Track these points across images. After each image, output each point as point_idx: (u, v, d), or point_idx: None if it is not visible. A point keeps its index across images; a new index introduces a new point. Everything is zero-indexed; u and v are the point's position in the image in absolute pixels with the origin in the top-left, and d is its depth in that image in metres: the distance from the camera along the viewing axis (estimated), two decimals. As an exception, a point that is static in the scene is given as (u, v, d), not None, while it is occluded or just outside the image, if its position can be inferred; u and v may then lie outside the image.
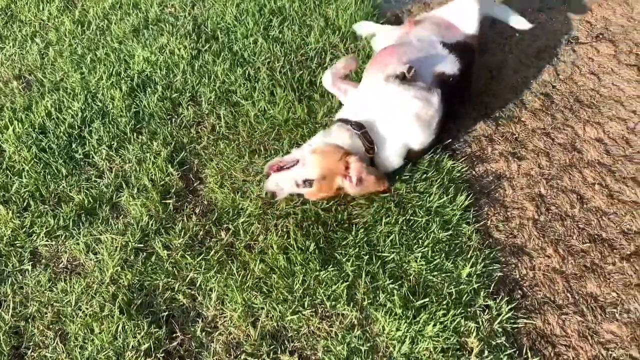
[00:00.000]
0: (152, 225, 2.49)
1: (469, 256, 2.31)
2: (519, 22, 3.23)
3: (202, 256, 2.36)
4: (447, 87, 2.57)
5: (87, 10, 3.82)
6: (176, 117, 3.00)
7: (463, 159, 2.73)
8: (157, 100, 3.05)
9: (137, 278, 2.31)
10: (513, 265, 2.33)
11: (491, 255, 2.34)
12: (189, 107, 3.02)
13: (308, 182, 2.33)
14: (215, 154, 2.80)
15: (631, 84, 3.07)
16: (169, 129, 2.92)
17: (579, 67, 3.23)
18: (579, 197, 2.56)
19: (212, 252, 2.37)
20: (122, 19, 3.70)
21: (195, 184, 2.70)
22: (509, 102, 3.03)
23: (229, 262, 2.34)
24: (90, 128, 2.93)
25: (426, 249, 2.32)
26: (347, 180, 2.33)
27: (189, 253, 2.38)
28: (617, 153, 2.72)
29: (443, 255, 2.31)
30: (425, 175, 2.59)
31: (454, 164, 2.67)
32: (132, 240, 2.43)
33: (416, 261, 2.28)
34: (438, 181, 2.57)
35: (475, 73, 2.98)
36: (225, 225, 2.50)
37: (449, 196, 2.51)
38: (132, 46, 3.43)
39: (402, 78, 2.47)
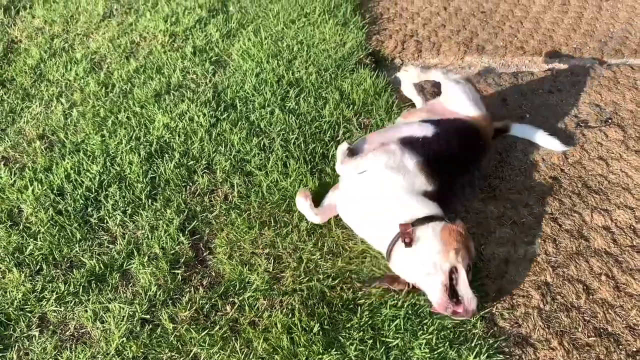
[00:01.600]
0: (159, 295, 2.52)
1: (473, 345, 2.31)
2: (551, 144, 3.30)
3: (206, 331, 2.38)
4: (419, 145, 2.69)
5: (111, 73, 3.98)
6: (191, 184, 3.07)
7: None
8: (173, 167, 3.13)
9: (142, 350, 2.33)
10: (517, 357, 2.32)
11: (495, 345, 2.33)
12: (204, 175, 3.10)
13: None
14: (226, 223, 2.85)
15: (639, 171, 3.11)
16: (183, 196, 2.99)
17: (587, 151, 3.28)
18: (585, 287, 2.56)
19: (217, 328, 2.39)
20: (144, 83, 3.84)
21: (204, 254, 2.74)
22: (518, 184, 3.07)
23: (233, 338, 2.36)
24: (107, 192, 3.01)
25: (431, 336, 2.32)
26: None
27: (194, 327, 2.40)
28: (624, 243, 2.74)
29: (447, 343, 2.31)
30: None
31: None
32: (139, 311, 2.46)
33: (420, 348, 2.28)
34: (444, 265, 2.58)
35: (483, 152, 3.04)
36: (231, 299, 2.52)
37: (455, 281, 2.51)
38: (153, 111, 3.55)
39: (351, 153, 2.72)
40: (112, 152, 3.26)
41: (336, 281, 2.57)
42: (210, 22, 4.53)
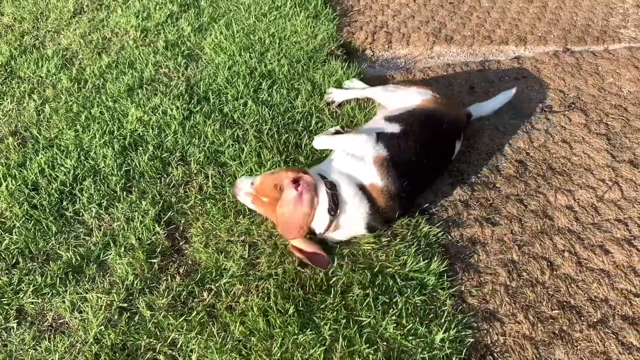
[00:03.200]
0: (137, 284, 2.57)
1: (442, 321, 2.40)
2: (505, 97, 3.51)
3: (184, 317, 2.43)
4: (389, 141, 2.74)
5: (84, 69, 3.98)
6: (165, 176, 3.11)
7: (440, 223, 2.84)
8: (147, 159, 3.17)
9: (120, 338, 2.37)
10: (485, 331, 2.41)
11: (464, 320, 2.43)
12: (179, 167, 3.14)
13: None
14: (202, 213, 2.90)
15: (600, 153, 3.23)
16: (158, 188, 3.03)
17: (552, 135, 3.39)
18: (549, 263, 2.67)
19: (194, 313, 2.44)
20: (117, 78, 3.86)
21: (180, 244, 2.79)
22: (485, 168, 3.17)
23: (210, 323, 2.41)
24: (82, 186, 3.03)
25: (401, 313, 2.41)
26: (290, 188, 2.46)
27: (171, 313, 2.46)
28: (586, 221, 2.85)
29: (418, 319, 2.40)
30: (400, 238, 2.70)
31: (430, 228, 2.78)
32: (117, 300, 2.50)
33: (391, 326, 2.36)
34: (414, 245, 2.67)
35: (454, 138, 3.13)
36: (207, 286, 2.58)
37: (425, 261, 2.61)
38: (126, 105, 3.57)
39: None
40: (86, 147, 3.28)
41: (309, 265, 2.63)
42: (182, 17, 4.55)
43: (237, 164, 3.14)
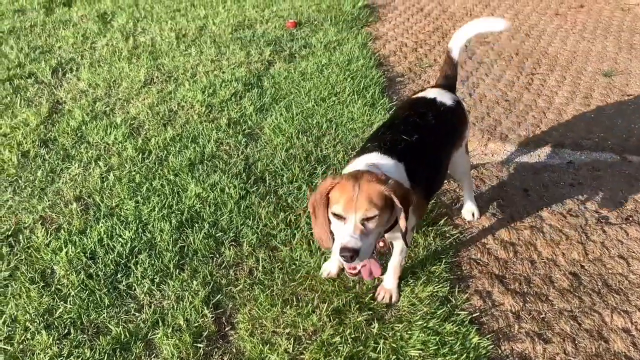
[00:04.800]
0: (181, 369, 2.58)
1: None
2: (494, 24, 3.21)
3: (225, 410, 2.42)
4: None
5: (149, 139, 4.17)
6: (218, 256, 3.17)
7: (490, 334, 2.78)
8: (202, 237, 3.24)
9: None
10: None
11: None
12: (231, 248, 3.20)
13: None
14: (249, 299, 2.92)
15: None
16: (210, 268, 3.08)
17: (608, 248, 3.32)
18: (603, 392, 2.56)
19: (236, 407, 2.42)
20: (180, 151, 4.02)
21: (226, 329, 2.80)
22: (537, 278, 3.11)
23: (251, 419, 2.39)
24: (137, 259, 3.12)
25: None
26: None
27: (213, 404, 2.44)
28: (644, 348, 2.74)
29: None
30: (448, 348, 2.65)
31: (480, 340, 2.72)
32: (161, 384, 2.51)
33: None
34: (464, 357, 2.61)
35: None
36: (251, 379, 2.56)
37: (473, 375, 2.54)
38: (186, 180, 3.70)
39: None
40: (145, 219, 3.39)
41: (355, 366, 2.60)
42: (245, 96, 4.75)
43: (288, 249, 3.18)
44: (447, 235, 3.33)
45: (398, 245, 2.81)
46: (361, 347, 2.68)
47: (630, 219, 3.57)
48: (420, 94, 3.12)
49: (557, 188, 3.86)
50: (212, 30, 6.02)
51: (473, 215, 3.52)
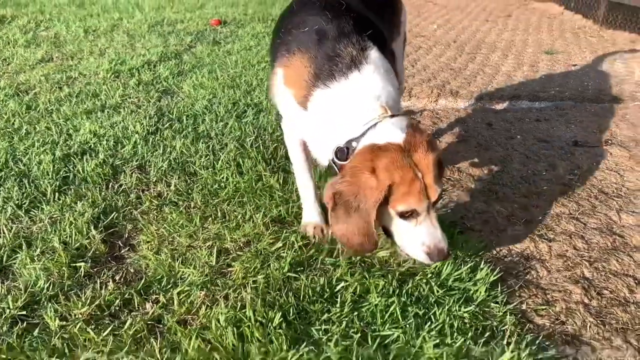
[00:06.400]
0: (48, 290, 1.73)
1: (505, 342, 1.57)
2: None
3: (110, 331, 1.57)
4: None
5: (38, 97, 3.41)
6: (115, 182, 2.39)
7: (480, 237, 2.12)
8: (94, 165, 2.46)
9: (4, 356, 1.49)
10: (571, 358, 1.58)
11: (536, 342, 1.60)
12: (133, 174, 2.43)
13: None
14: (158, 219, 2.14)
15: (661, 181, 2.62)
16: (103, 194, 2.29)
17: (596, 163, 2.81)
18: (637, 281, 1.91)
19: (126, 326, 1.59)
20: (76, 104, 3.27)
21: (122, 251, 1.99)
22: (522, 189, 2.52)
23: (152, 339, 1.55)
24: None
25: (444, 328, 1.59)
26: None
27: (92, 327, 1.60)
28: (670, 239, 2.15)
29: (468, 337, 1.57)
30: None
31: (468, 240, 2.05)
32: (11, 307, 1.64)
33: (430, 343, 1.53)
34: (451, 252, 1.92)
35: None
36: (154, 297, 1.74)
37: (466, 267, 1.84)
38: (81, 123, 2.94)
39: None
40: (19, 155, 2.58)
41: (304, 270, 1.84)
42: (160, 65, 4.11)
43: (209, 172, 2.44)
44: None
45: None
46: (313, 252, 1.94)
47: (610, 142, 3.09)
48: None
49: (522, 123, 3.38)
50: (126, 26, 5.43)
51: None
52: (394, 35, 2.41)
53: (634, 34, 5.80)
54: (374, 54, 1.76)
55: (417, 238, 1.64)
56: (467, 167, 2.74)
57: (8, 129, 2.88)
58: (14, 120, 2.99)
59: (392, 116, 1.66)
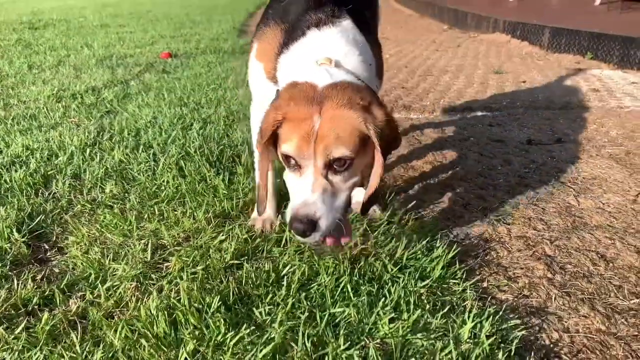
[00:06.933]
0: (-47, 291, 1.53)
1: (466, 315, 1.44)
2: None
3: (21, 327, 1.38)
4: None
5: (-29, 120, 3.21)
6: (45, 190, 2.21)
7: (434, 222, 2.01)
8: (24, 174, 2.28)
9: None
10: (538, 327, 1.46)
11: (499, 314, 1.48)
12: (66, 182, 2.26)
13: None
14: (90, 221, 1.96)
15: (613, 169, 2.60)
16: (32, 200, 2.10)
17: (551, 157, 2.78)
18: (599, 255, 1.83)
19: (42, 323, 1.39)
20: (10, 125, 3.08)
21: (48, 254, 1.80)
22: (477, 181, 2.46)
23: (72, 334, 1.36)
24: None
25: (399, 304, 1.45)
26: None
27: (5, 325, 1.40)
28: (627, 220, 2.09)
29: (426, 312, 1.44)
30: (380, 233, 1.84)
31: (422, 224, 1.95)
32: None
33: (386, 318, 1.39)
34: (405, 235, 1.80)
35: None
36: (80, 294, 1.56)
37: (421, 246, 1.73)
38: (13, 139, 2.76)
39: None
40: (-60, 168, 2.38)
41: (249, 259, 1.69)
42: (106, 90, 3.97)
43: (148, 176, 2.29)
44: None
45: None
46: (259, 241, 1.79)
47: (562, 140, 3.08)
48: None
49: (476, 128, 3.35)
50: (73, 61, 5.29)
51: None
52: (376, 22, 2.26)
53: (578, 55, 5.99)
54: (346, 22, 1.60)
55: (291, 195, 1.41)
56: (421, 165, 2.66)
57: None
58: (-61, 140, 2.78)
59: (336, 67, 1.46)
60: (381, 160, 1.38)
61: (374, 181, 1.42)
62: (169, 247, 1.79)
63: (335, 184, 1.35)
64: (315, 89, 1.37)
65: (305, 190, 1.33)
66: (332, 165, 1.34)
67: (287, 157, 1.38)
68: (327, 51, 1.50)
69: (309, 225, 1.29)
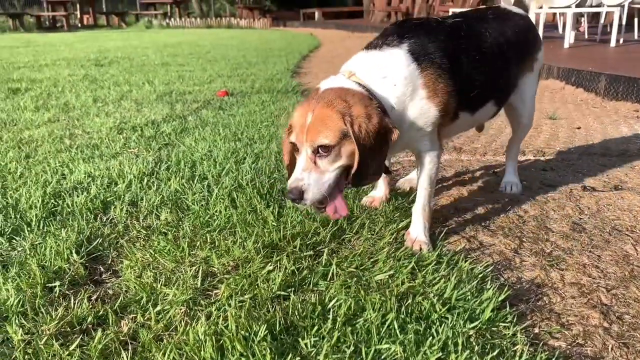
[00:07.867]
0: (15, 307, 1.60)
1: (517, 359, 1.40)
2: None
3: (76, 344, 1.43)
4: None
5: (38, 148, 3.40)
6: (104, 215, 2.31)
7: (484, 266, 1.98)
8: (85, 199, 2.39)
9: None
10: (593, 378, 1.40)
11: (553, 359, 1.43)
12: (124, 208, 2.35)
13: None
14: (145, 247, 2.03)
15: (676, 219, 2.49)
16: (91, 224, 2.20)
17: (605, 206, 2.69)
18: (660, 307, 1.75)
19: (96, 341, 1.44)
20: (75, 153, 3.25)
21: (104, 275, 1.86)
22: (530, 226, 2.41)
23: (123, 352, 1.40)
24: (-16, 218, 2.21)
25: (446, 345, 1.43)
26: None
27: (60, 342, 1.45)
28: (691, 269, 1.99)
29: (475, 354, 1.41)
30: (427, 272, 1.82)
31: (473, 266, 1.91)
32: (-28, 321, 1.51)
33: (434, 357, 1.36)
34: (455, 273, 1.78)
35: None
36: (132, 315, 1.60)
37: (470, 286, 1.70)
38: (76, 166, 2.91)
39: None
40: (10, 192, 2.52)
41: (295, 290, 1.70)
42: (164, 124, 4.14)
43: (202, 206, 2.36)
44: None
45: (422, 168, 2.14)
46: (306, 273, 1.81)
47: (619, 187, 2.99)
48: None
49: (528, 172, 3.30)
50: (135, 96, 5.55)
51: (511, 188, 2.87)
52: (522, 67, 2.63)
53: (637, 103, 5.84)
54: (396, 50, 1.93)
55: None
56: (472, 207, 2.63)
57: (3, 172, 2.84)
58: (11, 166, 2.95)
59: (351, 78, 1.88)
60: (359, 148, 1.73)
61: (355, 163, 1.76)
62: (218, 274, 1.83)
63: (322, 165, 1.77)
64: (317, 91, 1.86)
65: (298, 169, 1.78)
66: (318, 151, 1.75)
67: (293, 144, 1.83)
68: (355, 66, 1.93)
69: (298, 195, 1.74)
